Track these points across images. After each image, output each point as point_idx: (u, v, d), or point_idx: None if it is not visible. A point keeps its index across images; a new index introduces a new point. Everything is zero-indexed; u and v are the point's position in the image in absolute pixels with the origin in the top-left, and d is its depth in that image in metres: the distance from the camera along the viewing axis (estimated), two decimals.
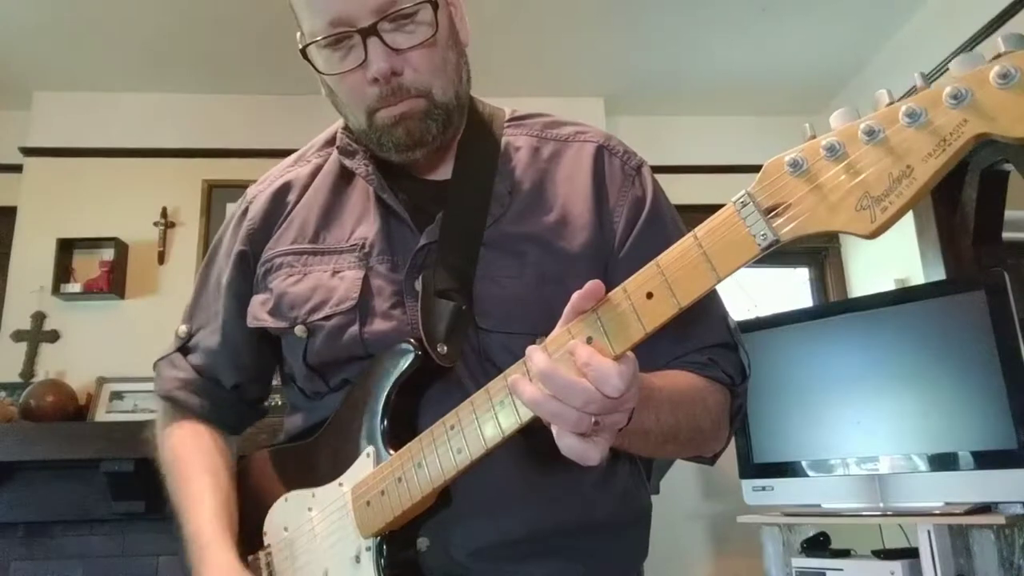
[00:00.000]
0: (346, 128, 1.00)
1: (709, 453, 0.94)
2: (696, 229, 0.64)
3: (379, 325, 0.89)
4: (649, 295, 0.65)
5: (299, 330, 0.92)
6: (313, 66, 0.90)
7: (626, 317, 0.65)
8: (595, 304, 0.67)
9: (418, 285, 0.88)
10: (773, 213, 0.60)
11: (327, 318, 0.90)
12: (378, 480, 0.82)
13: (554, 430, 0.67)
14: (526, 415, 0.69)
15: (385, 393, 0.85)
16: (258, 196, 1.03)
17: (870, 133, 0.56)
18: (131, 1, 2.87)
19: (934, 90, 0.54)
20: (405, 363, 0.85)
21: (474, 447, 0.73)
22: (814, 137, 0.59)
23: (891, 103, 0.56)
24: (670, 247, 0.65)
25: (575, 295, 0.67)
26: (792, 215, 0.59)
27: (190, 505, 0.94)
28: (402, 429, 0.83)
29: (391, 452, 0.83)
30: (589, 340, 0.66)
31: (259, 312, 0.97)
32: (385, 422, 0.85)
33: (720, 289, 0.96)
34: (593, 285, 0.67)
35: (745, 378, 0.93)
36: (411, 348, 0.85)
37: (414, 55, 0.87)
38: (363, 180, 0.97)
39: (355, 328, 0.89)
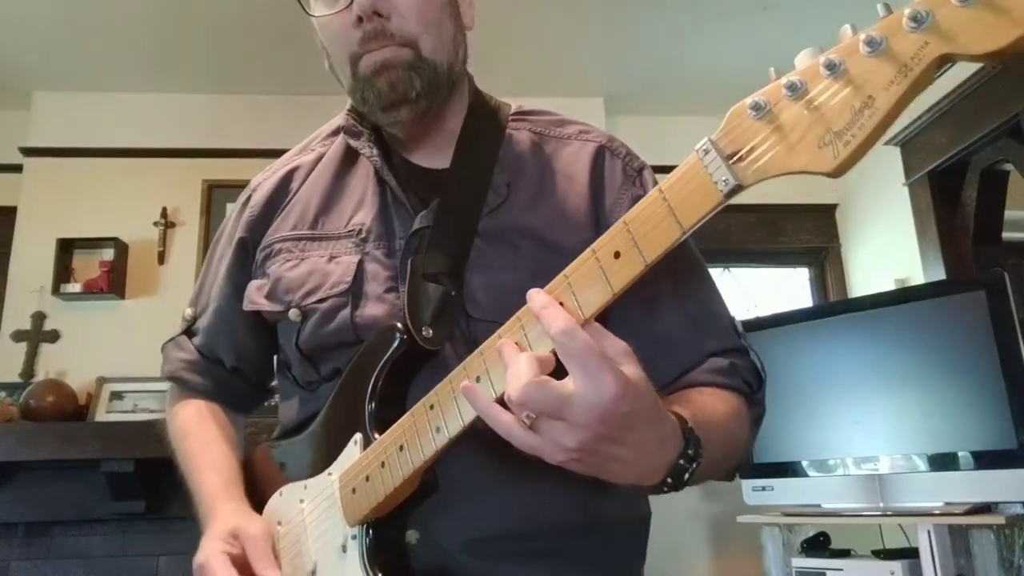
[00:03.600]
0: (351, 110, 1.01)
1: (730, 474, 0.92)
2: (661, 183, 0.63)
3: (371, 309, 0.89)
4: (616, 254, 0.64)
5: (293, 314, 0.92)
6: (304, 8, 0.91)
7: (594, 279, 0.65)
8: (567, 269, 0.67)
9: (408, 268, 0.88)
10: (736, 158, 0.58)
11: (320, 301, 0.91)
12: (363, 466, 0.82)
13: None
14: (500, 388, 0.68)
15: (372, 378, 0.84)
16: (262, 184, 1.05)
17: (830, 67, 0.54)
18: (131, 1, 2.87)
19: (894, 16, 0.52)
20: (391, 347, 0.84)
21: (452, 426, 0.72)
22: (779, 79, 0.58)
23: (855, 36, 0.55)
24: (637, 211, 0.64)
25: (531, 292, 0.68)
26: (754, 158, 0.58)
27: (199, 469, 0.96)
28: (391, 415, 0.82)
29: (377, 437, 0.82)
30: (561, 304, 0.66)
31: (255, 296, 0.98)
32: (372, 407, 0.84)
33: (719, 290, 0.97)
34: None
35: (762, 383, 0.92)
36: (397, 331, 0.84)
37: (403, 1, 0.87)
38: (366, 160, 0.98)
39: (346, 311, 0.89)
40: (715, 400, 0.84)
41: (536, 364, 0.64)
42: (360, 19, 0.86)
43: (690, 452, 0.69)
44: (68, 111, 3.39)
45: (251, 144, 3.34)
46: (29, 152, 3.33)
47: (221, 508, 0.89)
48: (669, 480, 0.69)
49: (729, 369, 0.87)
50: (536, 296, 0.66)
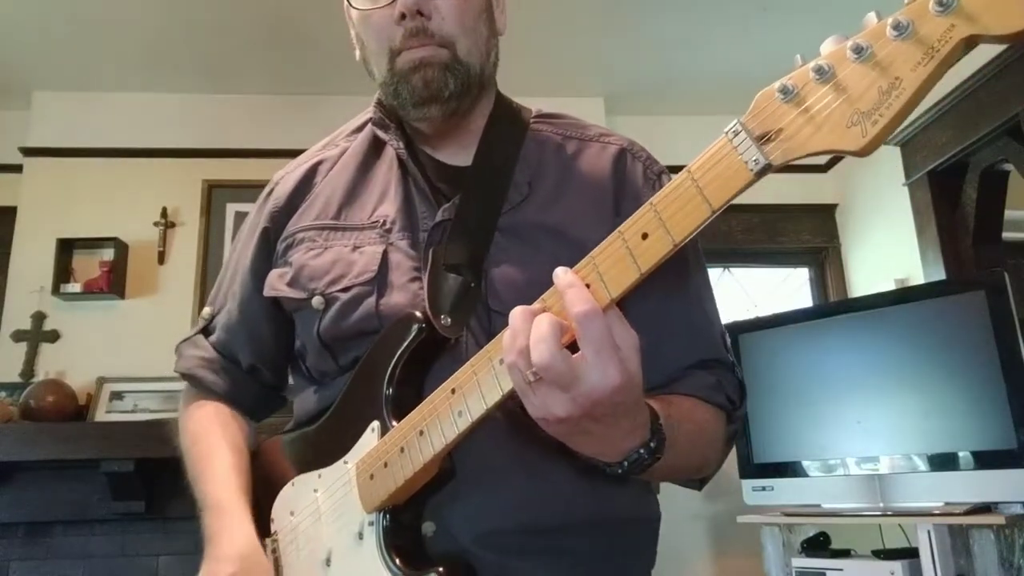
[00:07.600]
0: (379, 103, 1.03)
1: (700, 481, 0.96)
2: (689, 164, 0.64)
3: (396, 298, 0.90)
4: (644, 235, 0.65)
5: (316, 301, 0.93)
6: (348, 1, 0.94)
7: (622, 260, 0.66)
8: (593, 251, 0.68)
9: (429, 258, 0.89)
10: (765, 139, 0.60)
11: (345, 289, 0.92)
12: (381, 452, 0.82)
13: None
14: None
15: (391, 365, 0.85)
16: (285, 178, 1.06)
17: (857, 51, 0.56)
18: (131, 1, 2.87)
19: (920, 1, 0.54)
20: (410, 334, 0.85)
21: (474, 409, 0.73)
22: (805, 64, 0.59)
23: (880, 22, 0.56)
24: (665, 193, 0.65)
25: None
26: (783, 138, 0.59)
27: (207, 477, 0.96)
28: (408, 403, 0.82)
29: (395, 424, 0.82)
30: (588, 286, 0.67)
31: (277, 283, 0.98)
32: (390, 393, 0.84)
33: (716, 300, 0.98)
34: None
35: (743, 399, 0.94)
36: (416, 319, 0.85)
37: (444, 3, 0.90)
38: (389, 154, 1.00)
39: (371, 300, 0.90)
40: (695, 410, 0.87)
41: (559, 329, 0.65)
42: (403, 16, 0.89)
43: (652, 445, 0.72)
44: (68, 111, 3.39)
45: (251, 144, 3.34)
46: (29, 152, 3.33)
47: (227, 527, 0.89)
48: (625, 463, 0.72)
49: (716, 385, 0.90)
50: (562, 275, 0.68)
